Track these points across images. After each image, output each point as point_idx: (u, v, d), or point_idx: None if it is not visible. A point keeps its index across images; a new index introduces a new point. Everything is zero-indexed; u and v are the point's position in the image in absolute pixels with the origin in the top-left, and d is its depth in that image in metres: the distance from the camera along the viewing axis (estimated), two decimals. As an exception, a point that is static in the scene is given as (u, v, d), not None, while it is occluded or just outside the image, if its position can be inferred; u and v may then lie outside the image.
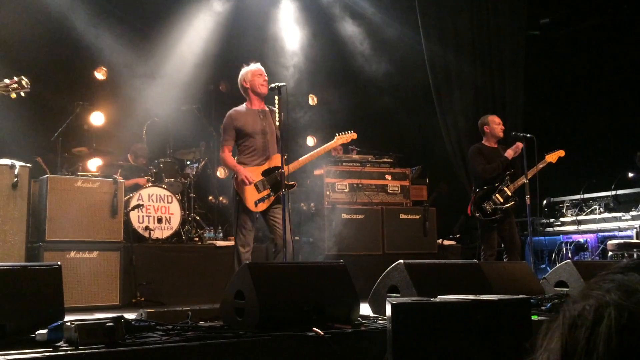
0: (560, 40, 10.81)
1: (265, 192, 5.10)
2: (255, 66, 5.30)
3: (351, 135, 5.72)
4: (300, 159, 5.37)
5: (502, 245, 6.83)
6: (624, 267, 0.79)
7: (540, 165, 6.60)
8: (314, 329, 3.07)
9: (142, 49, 8.65)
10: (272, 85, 5.08)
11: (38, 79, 7.88)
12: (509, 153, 6.62)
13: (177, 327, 3.15)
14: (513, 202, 6.60)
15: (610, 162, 9.33)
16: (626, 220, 7.76)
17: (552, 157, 6.67)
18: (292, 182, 5.19)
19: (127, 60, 8.49)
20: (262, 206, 5.11)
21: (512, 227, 6.71)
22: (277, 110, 5.07)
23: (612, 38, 9.94)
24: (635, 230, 7.61)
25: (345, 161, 7.91)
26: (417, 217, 7.84)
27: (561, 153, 6.69)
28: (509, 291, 3.96)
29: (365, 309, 3.89)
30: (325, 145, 5.55)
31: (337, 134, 5.65)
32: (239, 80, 5.35)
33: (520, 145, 6.58)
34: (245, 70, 5.31)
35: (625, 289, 0.74)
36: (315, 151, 5.46)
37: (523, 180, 6.50)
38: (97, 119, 8.32)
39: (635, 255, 7.46)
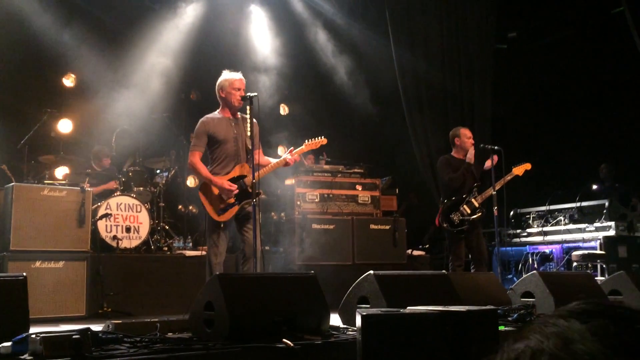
0: (527, 54, 11.04)
1: (229, 202, 5.06)
2: (235, 77, 5.17)
3: (320, 141, 5.55)
4: (268, 165, 5.27)
5: (470, 256, 6.91)
6: (569, 311, 0.81)
7: (508, 178, 6.70)
8: (284, 340, 3.07)
9: (112, 56, 8.57)
10: (244, 95, 5.05)
11: (4, 85, 7.77)
12: (488, 165, 6.70)
13: (145, 339, 3.12)
14: (480, 214, 6.68)
15: (575, 174, 9.55)
16: (590, 231, 7.93)
17: (518, 170, 6.78)
18: (258, 191, 5.09)
19: (97, 67, 8.40)
20: (226, 216, 5.04)
21: (480, 237, 6.81)
22: (248, 119, 5.04)
23: (578, 52, 10.18)
24: (598, 241, 7.78)
25: (316, 171, 7.93)
26: (387, 227, 7.89)
27: (527, 166, 6.80)
28: (477, 302, 4.01)
29: (335, 320, 3.90)
30: (295, 150, 5.45)
31: (306, 140, 5.55)
32: (216, 85, 5.23)
33: (496, 158, 6.66)
34: (224, 78, 5.19)
35: (564, 337, 0.75)
36: (282, 157, 5.35)
37: (490, 192, 6.60)
38: (65, 126, 8.21)
39: (598, 267, 7.63)
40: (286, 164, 5.27)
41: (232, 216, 5.06)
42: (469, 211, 6.65)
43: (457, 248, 6.73)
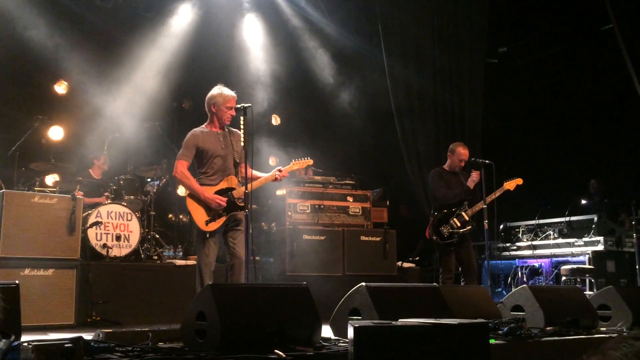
0: (517, 69, 11.15)
1: (216, 212, 5.07)
2: (230, 96, 5.16)
3: (307, 162, 5.63)
4: (255, 181, 5.21)
5: (460, 269, 6.93)
6: None
7: (498, 193, 6.73)
8: (276, 351, 3.07)
9: (104, 63, 8.56)
10: (238, 105, 5.05)
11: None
12: (471, 184, 6.73)
13: (137, 349, 3.11)
14: (470, 227, 6.71)
15: (564, 188, 9.62)
16: (579, 246, 7.98)
17: (510, 185, 6.80)
18: (243, 204, 5.07)
19: (89, 74, 8.38)
20: (213, 226, 5.04)
21: (470, 251, 6.83)
22: (241, 132, 5.04)
23: (568, 68, 10.30)
24: (587, 256, 7.83)
25: (307, 182, 7.95)
26: (378, 239, 7.92)
27: (519, 181, 6.83)
28: (468, 315, 4.03)
29: (326, 331, 3.89)
30: (284, 168, 5.44)
31: (293, 160, 5.59)
32: (207, 98, 5.20)
33: (477, 173, 6.70)
34: (217, 93, 5.17)
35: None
36: (270, 174, 5.32)
37: (481, 205, 6.63)
38: (56, 133, 8.19)
39: (587, 281, 7.68)
40: (275, 179, 5.33)
41: (219, 226, 5.07)
42: (459, 224, 6.68)
43: (447, 261, 6.75)
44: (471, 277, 6.74)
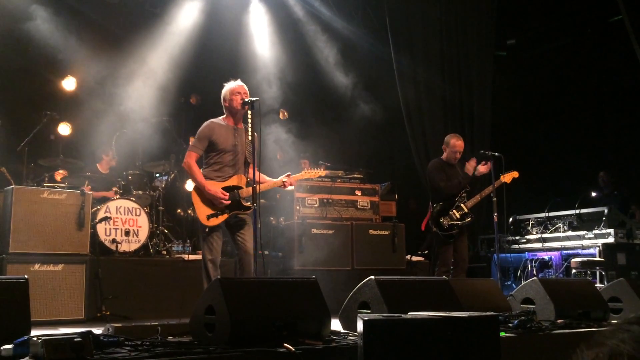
0: (526, 61, 11.08)
1: (219, 208, 5.07)
2: (235, 84, 5.22)
3: (318, 172, 5.71)
4: (263, 184, 5.20)
5: (452, 260, 6.88)
6: (637, 318, 0.84)
7: (496, 185, 6.70)
8: (285, 344, 3.06)
9: (112, 59, 8.57)
10: (245, 100, 5.06)
11: (4, 88, 7.77)
12: (469, 168, 6.71)
13: (146, 343, 3.10)
14: (469, 219, 6.70)
15: (574, 181, 9.56)
16: (589, 238, 7.94)
17: (506, 178, 6.77)
18: (248, 204, 5.09)
19: (97, 70, 8.40)
20: (214, 221, 5.04)
21: (464, 244, 6.83)
22: (249, 126, 5.04)
23: (577, 60, 10.22)
24: (597, 248, 7.78)
25: (316, 176, 7.93)
26: (386, 233, 7.90)
27: (515, 174, 6.80)
28: (477, 308, 4.01)
29: (335, 325, 3.88)
30: (292, 176, 5.45)
31: (305, 168, 5.62)
32: (221, 98, 5.29)
33: (488, 165, 6.68)
34: (225, 89, 5.24)
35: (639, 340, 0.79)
36: (277, 179, 5.32)
37: (479, 198, 6.65)
38: (64, 129, 8.21)
39: (597, 273, 7.63)
40: (283, 185, 5.32)
41: (220, 222, 5.07)
42: (458, 215, 6.67)
43: (444, 252, 6.71)
44: (462, 270, 6.72)
